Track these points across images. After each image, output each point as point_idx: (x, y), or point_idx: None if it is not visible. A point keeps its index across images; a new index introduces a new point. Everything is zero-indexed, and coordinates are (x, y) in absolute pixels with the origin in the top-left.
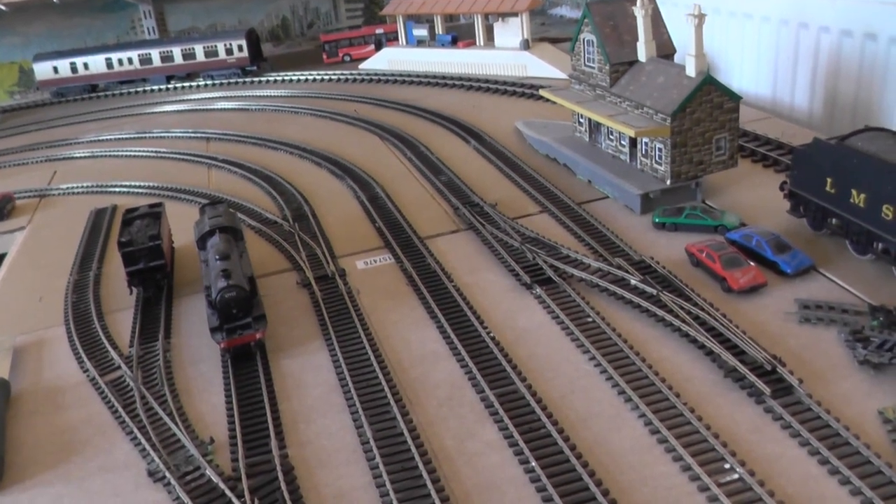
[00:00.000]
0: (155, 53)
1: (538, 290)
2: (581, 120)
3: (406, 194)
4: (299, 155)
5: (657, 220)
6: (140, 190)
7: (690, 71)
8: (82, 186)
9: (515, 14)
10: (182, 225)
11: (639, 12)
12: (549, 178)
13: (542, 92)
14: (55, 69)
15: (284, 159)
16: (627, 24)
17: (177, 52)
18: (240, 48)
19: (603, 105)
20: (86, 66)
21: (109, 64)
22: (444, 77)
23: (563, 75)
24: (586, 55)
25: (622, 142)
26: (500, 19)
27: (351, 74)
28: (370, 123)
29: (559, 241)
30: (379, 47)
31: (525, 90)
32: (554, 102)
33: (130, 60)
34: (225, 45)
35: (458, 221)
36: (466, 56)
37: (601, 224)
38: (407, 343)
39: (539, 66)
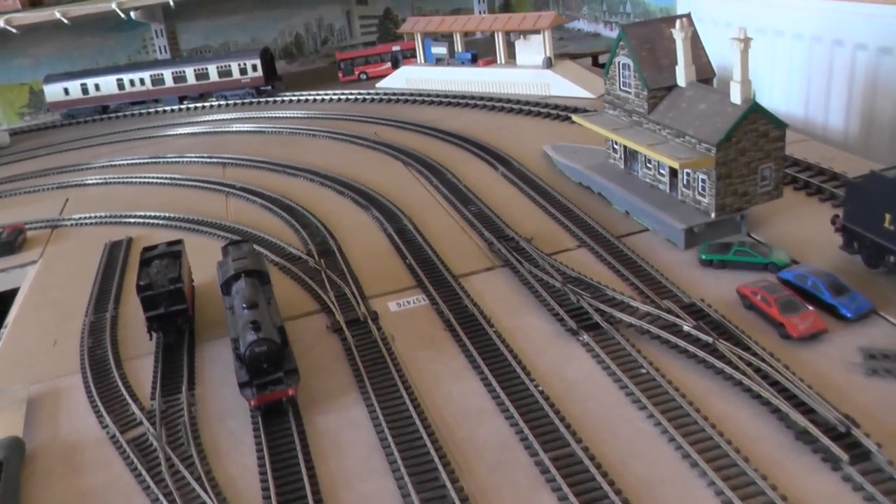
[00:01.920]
0: (167, 74)
1: (585, 336)
2: (615, 147)
3: (435, 226)
4: (320, 182)
5: (704, 256)
6: (155, 221)
7: (735, 98)
8: (96, 216)
9: (538, 31)
10: (201, 260)
11: (678, 35)
12: (583, 208)
13: (575, 118)
14: (66, 90)
15: (304, 187)
16: (665, 48)
17: (189, 72)
18: (254, 68)
19: (640, 133)
20: (97, 87)
21: (121, 85)
22: (464, 96)
23: (587, 94)
24: (621, 79)
25: (661, 171)
26: (521, 37)
27: (368, 94)
28: (391, 147)
29: (601, 279)
30: (396, 65)
31: (550, 111)
32: (584, 126)
33: (142, 81)
34: (239, 64)
35: (492, 257)
36: (487, 75)
37: (643, 260)
38: (450, 397)
39: (562, 85)
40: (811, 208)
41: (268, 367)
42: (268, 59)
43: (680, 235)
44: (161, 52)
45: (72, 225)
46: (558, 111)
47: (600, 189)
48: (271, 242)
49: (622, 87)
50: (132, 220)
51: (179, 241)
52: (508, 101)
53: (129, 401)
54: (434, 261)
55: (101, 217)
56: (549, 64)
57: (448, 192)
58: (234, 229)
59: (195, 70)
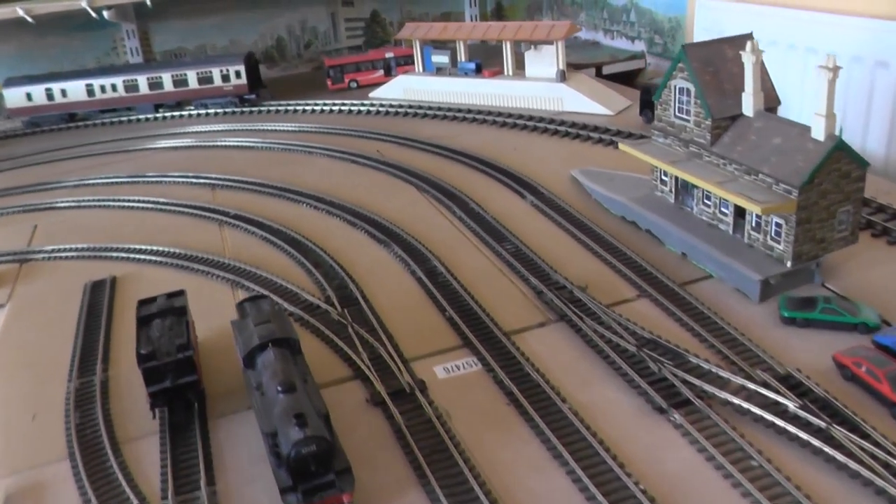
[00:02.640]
0: (142, 79)
1: (676, 415)
2: (664, 178)
3: (469, 268)
4: (326, 211)
5: (786, 314)
6: (141, 256)
7: (818, 133)
8: (71, 249)
9: (550, 42)
10: (200, 306)
11: (748, 59)
12: (633, 247)
13: (622, 146)
14: (29, 96)
15: (309, 216)
16: (728, 71)
17: (167, 78)
18: (238, 74)
19: (703, 167)
20: (63, 92)
21: (91, 91)
22: (469, 110)
23: (604, 111)
24: (677, 105)
25: (723, 209)
26: (532, 47)
27: (363, 105)
28: (399, 169)
29: (674, 338)
30: (388, 73)
31: (569, 129)
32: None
33: (114, 87)
34: (221, 70)
35: (544, 309)
36: (494, 87)
37: (716, 315)
38: (533, 497)
39: (577, 100)
40: (883, 253)
41: (316, 470)
42: (252, 64)
43: (754, 287)
44: (133, 55)
45: (44, 259)
46: (577, 130)
47: (649, 226)
48: (282, 287)
49: (678, 114)
50: (114, 254)
51: (181, 293)
52: (520, 116)
53: (134, 500)
54: (477, 313)
55: (77, 250)
56: (562, 77)
57: (475, 225)
58: (236, 269)
59: (173, 76)
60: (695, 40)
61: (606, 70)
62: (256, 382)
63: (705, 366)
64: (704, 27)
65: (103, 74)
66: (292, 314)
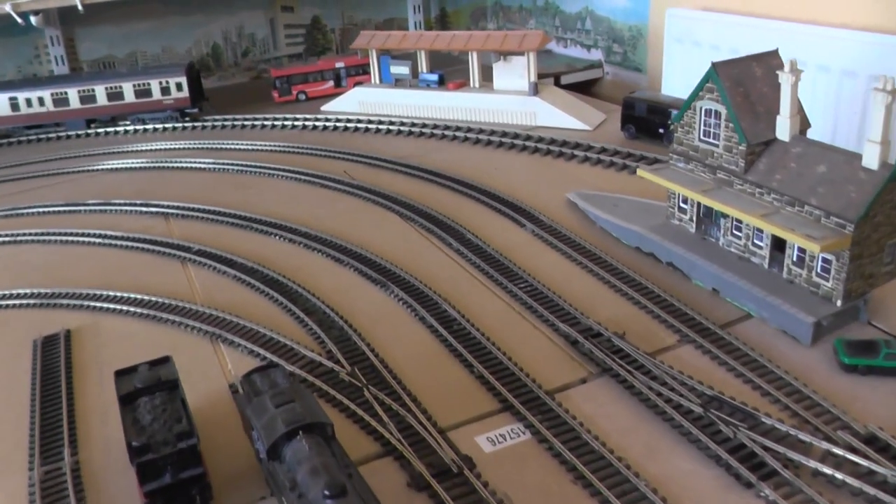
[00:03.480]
0: (72, 92)
1: (766, 490)
2: (683, 205)
3: (486, 313)
4: (304, 244)
5: (847, 361)
6: (97, 303)
7: (870, 161)
8: (13, 296)
9: (521, 53)
10: (177, 366)
11: (785, 79)
12: (658, 283)
13: (640, 172)
14: None
15: (285, 251)
16: (758, 91)
17: (100, 90)
18: (178, 87)
19: (737, 197)
20: None
21: (15, 105)
22: (435, 125)
23: (580, 125)
24: (703, 128)
25: (756, 241)
26: (501, 58)
27: (317, 120)
28: (375, 193)
29: (731, 391)
30: (339, 84)
31: (549, 146)
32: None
33: (41, 101)
34: (160, 82)
35: (582, 361)
36: (460, 100)
37: (771, 363)
38: None
39: (551, 115)
40: None
41: None
42: (194, 76)
43: (805, 330)
44: (57, 63)
45: None
46: (559, 147)
47: (671, 259)
48: (273, 340)
49: (703, 138)
50: (65, 301)
51: (167, 361)
52: (492, 132)
53: None
54: (510, 368)
55: (20, 296)
56: (535, 90)
57: (478, 260)
58: (212, 318)
59: (107, 88)
60: (665, 49)
61: (565, 80)
62: (289, 481)
63: (781, 427)
64: (676, 37)
65: (29, 87)
66: (292, 374)
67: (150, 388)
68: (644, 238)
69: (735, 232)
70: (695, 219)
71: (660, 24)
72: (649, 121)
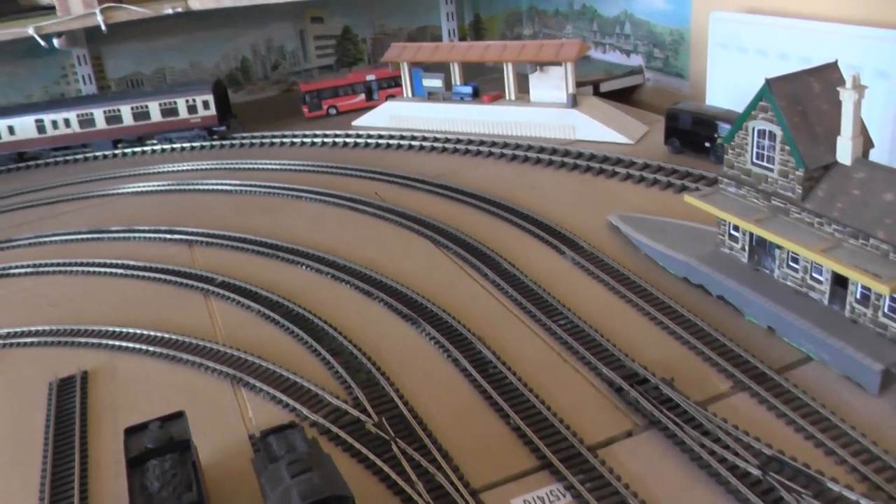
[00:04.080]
0: (98, 113)
1: None
2: (735, 233)
3: (523, 355)
4: (331, 274)
5: None
6: (116, 342)
7: None
8: (31, 332)
9: (559, 63)
10: (195, 412)
11: (848, 96)
12: (707, 319)
13: (688, 199)
14: None
15: (312, 283)
16: (816, 109)
17: (126, 110)
18: (206, 104)
19: (794, 227)
20: (11, 129)
21: (41, 127)
22: (470, 140)
23: (621, 139)
24: (756, 150)
25: (815, 275)
26: (537, 68)
27: (347, 136)
28: (406, 216)
29: (793, 449)
30: (370, 97)
31: (589, 163)
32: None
33: (67, 122)
34: (187, 101)
35: (627, 411)
36: (495, 113)
37: (835, 416)
38: None
39: (591, 128)
40: None
41: None
42: (221, 93)
43: (873, 378)
44: (85, 82)
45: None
46: (599, 164)
47: (722, 292)
48: (296, 385)
49: (756, 161)
50: (82, 339)
51: (180, 416)
52: (529, 147)
53: None
54: (547, 418)
55: (38, 333)
56: (573, 102)
57: (514, 293)
58: (233, 359)
59: (133, 108)
60: (709, 55)
61: (604, 87)
62: None
63: (851, 496)
64: (720, 41)
65: (55, 108)
66: (315, 424)
67: (160, 449)
68: (692, 268)
69: (791, 264)
70: (747, 248)
71: (703, 27)
72: (695, 134)
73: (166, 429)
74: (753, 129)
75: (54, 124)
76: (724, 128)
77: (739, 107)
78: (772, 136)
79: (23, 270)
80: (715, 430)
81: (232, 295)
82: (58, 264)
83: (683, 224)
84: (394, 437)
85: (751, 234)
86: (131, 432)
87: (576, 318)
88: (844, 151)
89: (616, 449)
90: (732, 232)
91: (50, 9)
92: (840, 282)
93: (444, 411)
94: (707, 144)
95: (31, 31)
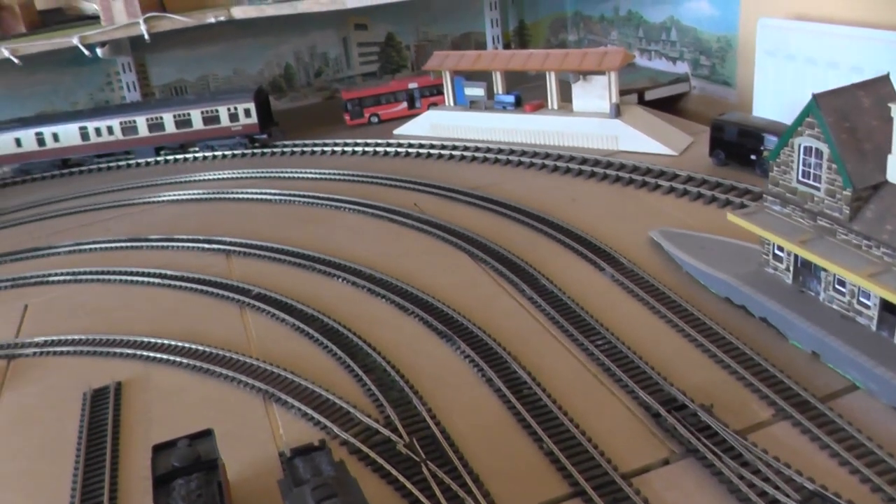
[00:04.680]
0: (141, 120)
1: None
2: (779, 252)
3: (558, 375)
4: (367, 288)
5: None
6: (149, 353)
7: None
8: (67, 342)
9: (602, 72)
10: (226, 427)
11: None
12: (749, 342)
13: (731, 217)
14: (18, 141)
15: (347, 296)
16: (865, 126)
17: (168, 118)
18: (247, 112)
19: (841, 250)
20: (55, 137)
21: (85, 134)
22: (511, 150)
23: (665, 151)
24: (802, 168)
25: (863, 299)
26: (580, 77)
27: (389, 145)
28: (444, 228)
29: (835, 483)
30: (412, 105)
31: (631, 175)
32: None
33: (110, 130)
34: (228, 108)
35: (663, 438)
36: (537, 123)
37: (882, 449)
38: None
39: (634, 139)
40: None
41: None
42: (263, 101)
43: None
44: (129, 90)
45: (34, 354)
46: (641, 176)
47: (765, 314)
48: (328, 402)
49: (802, 179)
50: (117, 349)
51: (208, 435)
52: (571, 158)
53: None
54: (581, 443)
55: (73, 343)
56: (617, 112)
57: (551, 310)
58: (266, 374)
59: (175, 116)
60: (757, 63)
61: (649, 96)
62: None
63: None
64: (768, 49)
65: (98, 116)
66: (345, 443)
67: (187, 468)
68: (734, 289)
69: (838, 287)
70: (792, 269)
71: (750, 34)
72: (740, 146)
73: (194, 447)
74: (799, 145)
75: (98, 131)
76: (771, 140)
77: (787, 117)
78: (818, 154)
79: (61, 278)
80: (755, 461)
81: (267, 307)
82: (96, 272)
83: (726, 241)
84: (424, 459)
85: (795, 255)
86: (159, 449)
87: (613, 337)
88: (894, 170)
89: (652, 478)
90: (777, 252)
91: (95, 18)
92: (889, 308)
93: (476, 433)
94: (753, 157)
95: (75, 40)
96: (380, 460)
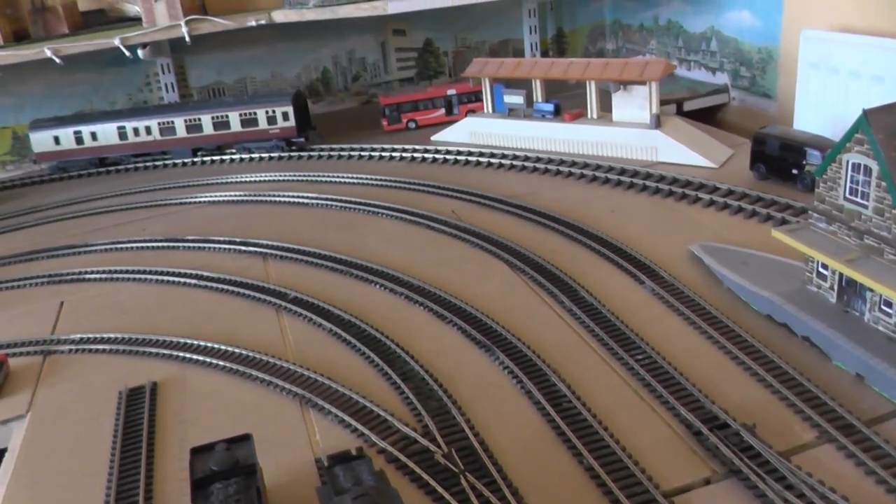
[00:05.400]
0: (179, 121)
1: None
2: (823, 271)
3: (598, 390)
4: (404, 295)
5: None
6: (186, 354)
7: None
8: (103, 339)
9: (643, 83)
10: (262, 431)
11: None
12: (792, 361)
13: (776, 234)
14: (56, 139)
15: (384, 302)
16: None
17: (206, 119)
18: (285, 116)
19: (888, 270)
20: (93, 135)
21: (123, 134)
22: (550, 159)
23: (706, 163)
24: (850, 185)
25: None
26: (621, 87)
27: (426, 151)
28: (482, 237)
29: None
30: (450, 112)
31: (671, 187)
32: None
33: (148, 130)
34: (266, 111)
35: (705, 457)
36: (575, 132)
37: None
38: None
39: (674, 150)
40: None
41: None
42: (301, 104)
43: None
44: (168, 90)
45: (70, 351)
46: (681, 188)
47: (808, 333)
48: (365, 409)
49: (849, 196)
50: (153, 349)
51: (247, 439)
52: (610, 168)
53: None
54: (622, 459)
55: (109, 341)
56: (657, 123)
57: (592, 323)
58: (303, 379)
59: (213, 117)
60: (799, 75)
61: (688, 106)
62: None
63: None
64: (811, 61)
65: (136, 116)
66: (382, 451)
67: (225, 472)
68: (776, 306)
69: (884, 308)
70: (836, 287)
71: (793, 46)
72: (782, 160)
73: (233, 451)
74: (847, 162)
75: (135, 131)
76: (813, 154)
77: (829, 131)
78: (867, 171)
79: (98, 276)
80: (798, 485)
81: (304, 312)
82: (132, 271)
83: (768, 257)
84: (463, 470)
85: (840, 274)
86: (197, 452)
87: (654, 353)
88: None
89: (693, 497)
90: (821, 270)
91: (136, 20)
92: None
93: (514, 445)
94: (794, 171)
95: (116, 41)
96: (418, 470)
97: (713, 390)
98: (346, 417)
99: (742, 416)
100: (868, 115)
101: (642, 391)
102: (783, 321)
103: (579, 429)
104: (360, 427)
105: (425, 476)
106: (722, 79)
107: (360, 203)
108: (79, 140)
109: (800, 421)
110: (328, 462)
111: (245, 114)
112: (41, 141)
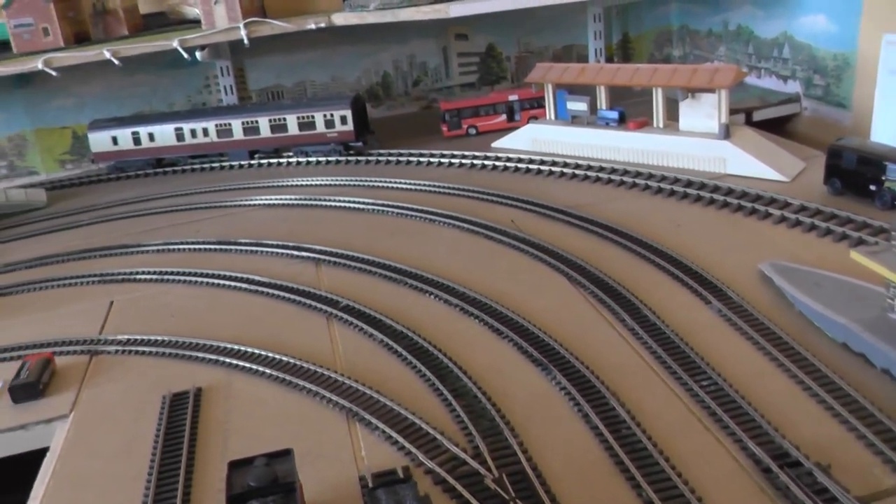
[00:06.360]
0: (236, 123)
1: None
2: None
3: (659, 415)
4: (460, 307)
5: None
6: (233, 360)
7: None
8: (149, 342)
9: (712, 90)
10: (305, 444)
11: None
12: (871, 396)
13: (855, 256)
14: (114, 140)
15: (438, 314)
16: None
17: (263, 122)
18: (343, 120)
19: None
20: (151, 136)
21: (180, 135)
22: (613, 169)
23: (777, 176)
24: None
25: None
26: (689, 95)
27: (486, 158)
28: (542, 249)
29: None
30: (511, 118)
31: (740, 201)
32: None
33: (206, 132)
34: (324, 115)
35: (775, 496)
36: (640, 141)
37: None
38: None
39: (743, 162)
40: None
41: None
42: (359, 108)
43: None
44: (226, 93)
45: (116, 352)
46: (751, 203)
47: (889, 366)
48: (413, 426)
49: None
50: (199, 353)
51: (287, 455)
52: (676, 180)
53: None
54: (684, 494)
55: (155, 343)
56: (726, 133)
57: (654, 344)
58: (351, 391)
59: (270, 120)
60: (879, 84)
61: (757, 116)
62: None
63: None
64: (892, 69)
65: (194, 117)
66: (430, 472)
67: (263, 489)
68: (853, 334)
69: None
70: None
71: (872, 52)
72: (859, 174)
73: (272, 467)
74: None
75: (193, 133)
76: (894, 169)
77: None
78: None
79: (148, 277)
80: None
81: (355, 321)
82: (183, 273)
83: (844, 280)
84: (514, 497)
85: None
86: (235, 466)
87: (720, 379)
88: None
89: None
90: None
91: (196, 23)
92: None
93: (569, 472)
94: (872, 188)
95: (175, 43)
96: (466, 494)
97: (783, 423)
98: (394, 434)
99: (815, 453)
100: None
101: (707, 420)
102: (860, 351)
103: (639, 458)
104: (407, 445)
105: (473, 502)
106: (794, 87)
107: (416, 210)
108: (136, 140)
109: (880, 463)
110: (372, 482)
111: (303, 117)
112: (100, 141)
